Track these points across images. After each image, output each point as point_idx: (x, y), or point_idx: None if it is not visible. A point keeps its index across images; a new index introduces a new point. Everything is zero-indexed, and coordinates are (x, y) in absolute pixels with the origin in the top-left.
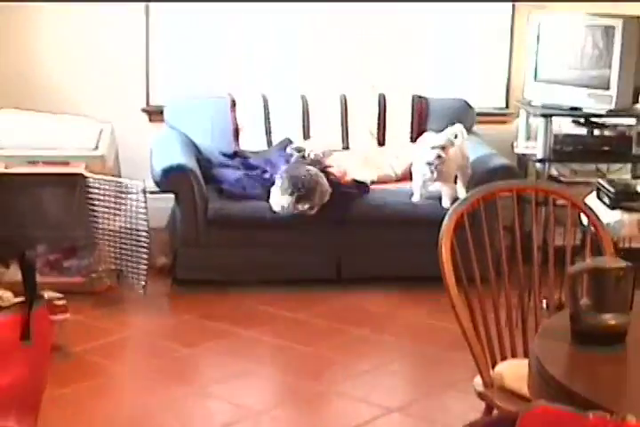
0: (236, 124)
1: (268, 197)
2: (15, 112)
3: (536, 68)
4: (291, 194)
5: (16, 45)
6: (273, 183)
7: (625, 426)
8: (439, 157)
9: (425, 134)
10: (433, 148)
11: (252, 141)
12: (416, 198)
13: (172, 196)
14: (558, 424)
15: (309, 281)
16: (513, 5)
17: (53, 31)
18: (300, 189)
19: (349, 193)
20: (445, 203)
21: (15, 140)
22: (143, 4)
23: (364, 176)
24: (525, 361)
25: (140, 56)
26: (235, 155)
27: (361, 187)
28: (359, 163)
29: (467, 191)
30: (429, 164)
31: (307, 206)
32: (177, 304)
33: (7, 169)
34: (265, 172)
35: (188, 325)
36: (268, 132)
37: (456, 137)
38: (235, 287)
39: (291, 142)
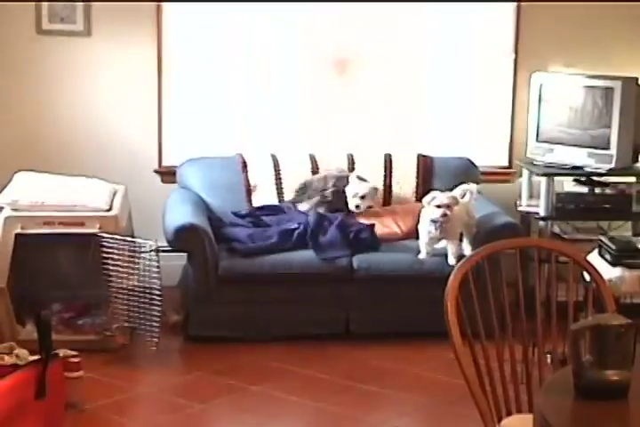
0: (248, 184)
1: (279, 249)
2: (31, 174)
3: (538, 128)
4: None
5: (31, 110)
6: (285, 234)
7: None
8: (444, 215)
9: (431, 193)
10: (439, 206)
11: (263, 200)
12: (422, 255)
13: (184, 254)
14: None
15: (319, 336)
16: (515, 65)
17: (67, 95)
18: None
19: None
20: (451, 260)
21: (31, 201)
22: (155, 66)
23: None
24: (530, 416)
25: (152, 119)
26: (247, 215)
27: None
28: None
29: (472, 248)
30: (434, 221)
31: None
32: (189, 360)
33: (24, 230)
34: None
35: (200, 381)
36: (280, 191)
37: (463, 196)
38: (246, 344)
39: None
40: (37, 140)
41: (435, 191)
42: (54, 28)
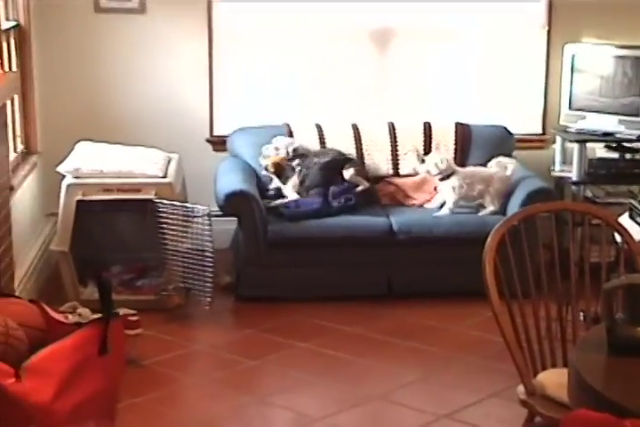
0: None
1: (322, 214)
2: (91, 144)
3: (570, 97)
4: None
5: (90, 84)
6: (326, 200)
7: None
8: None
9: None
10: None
11: None
12: (444, 211)
13: (234, 219)
14: None
15: (363, 297)
16: (548, 37)
17: (123, 69)
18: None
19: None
20: (444, 210)
21: (91, 169)
22: (206, 40)
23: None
24: (565, 370)
25: (204, 91)
26: None
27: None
28: (413, 186)
29: (508, 213)
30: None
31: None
32: (240, 320)
33: (85, 196)
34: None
35: (250, 338)
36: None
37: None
38: (294, 303)
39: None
40: (96, 112)
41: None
42: (111, 6)
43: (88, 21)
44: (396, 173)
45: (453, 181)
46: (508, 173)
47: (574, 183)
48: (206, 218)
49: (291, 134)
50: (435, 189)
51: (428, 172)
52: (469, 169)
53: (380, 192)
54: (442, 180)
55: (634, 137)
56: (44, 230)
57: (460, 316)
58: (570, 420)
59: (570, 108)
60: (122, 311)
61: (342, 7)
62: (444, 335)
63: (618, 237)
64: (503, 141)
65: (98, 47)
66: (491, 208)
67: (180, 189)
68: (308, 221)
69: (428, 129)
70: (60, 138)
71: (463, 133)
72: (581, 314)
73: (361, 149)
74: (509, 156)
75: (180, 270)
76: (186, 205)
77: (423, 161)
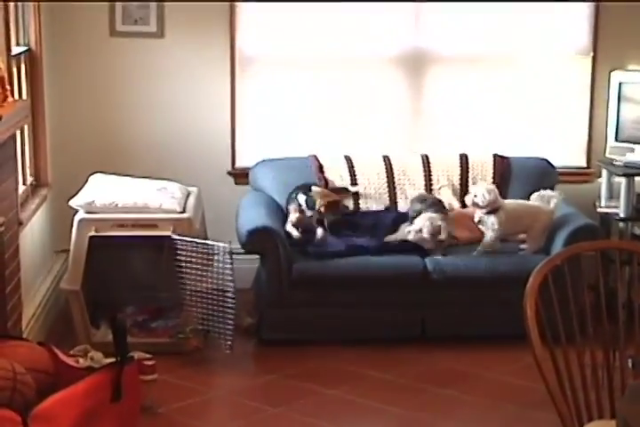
0: (326, 185)
1: (351, 254)
2: (105, 177)
3: (617, 127)
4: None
5: (105, 111)
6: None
7: None
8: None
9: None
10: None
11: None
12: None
13: (257, 257)
14: None
15: (393, 339)
16: (593, 63)
17: (140, 97)
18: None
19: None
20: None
21: (105, 203)
22: (228, 67)
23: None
24: (613, 422)
25: (225, 120)
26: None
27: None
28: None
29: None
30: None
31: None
32: (263, 364)
33: (98, 232)
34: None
35: (273, 384)
36: (356, 193)
37: (548, 202)
38: (320, 347)
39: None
40: (111, 143)
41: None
42: (128, 30)
43: (103, 46)
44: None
45: (500, 214)
46: (552, 206)
47: (621, 220)
48: (227, 256)
49: (320, 168)
50: (476, 222)
51: (475, 204)
52: (515, 202)
53: None
54: (488, 213)
55: None
56: (54, 268)
57: (499, 361)
58: None
59: (616, 139)
60: (136, 355)
61: (373, 31)
62: (481, 382)
63: None
64: (545, 175)
65: (113, 73)
66: (533, 245)
67: (200, 224)
68: (336, 259)
69: (464, 161)
70: (73, 170)
71: (502, 166)
72: (630, 360)
73: (393, 183)
74: (552, 189)
75: (198, 311)
76: (206, 242)
77: (465, 193)
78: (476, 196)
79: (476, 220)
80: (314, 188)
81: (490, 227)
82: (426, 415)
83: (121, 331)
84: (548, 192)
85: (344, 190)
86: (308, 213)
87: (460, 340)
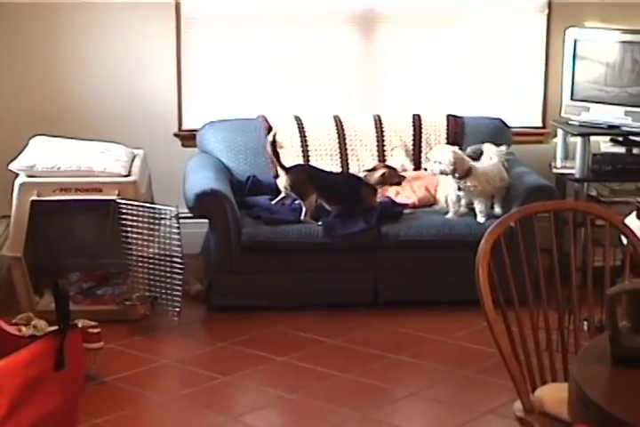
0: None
1: (299, 221)
2: (47, 139)
3: (573, 86)
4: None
5: (46, 74)
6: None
7: None
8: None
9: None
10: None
11: (289, 162)
12: (450, 215)
13: (205, 221)
14: None
15: (346, 306)
16: (548, 20)
17: (84, 60)
18: None
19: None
20: (480, 218)
21: (47, 166)
22: (174, 28)
23: (408, 198)
24: (565, 385)
25: (171, 81)
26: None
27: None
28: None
29: (503, 210)
30: (459, 188)
31: None
32: (212, 331)
33: (40, 196)
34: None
35: (222, 352)
36: (306, 153)
37: (479, 155)
38: (270, 313)
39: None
40: (53, 105)
41: (436, 148)
42: None
43: (44, 6)
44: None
45: (476, 176)
46: (494, 160)
47: (577, 180)
48: (174, 220)
49: (270, 128)
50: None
51: (442, 172)
52: (484, 165)
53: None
54: (460, 178)
55: None
56: None
57: (452, 326)
58: None
59: (572, 98)
60: (81, 323)
61: None
62: (434, 347)
63: (624, 239)
64: (499, 135)
65: (54, 34)
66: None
67: (146, 188)
68: (287, 224)
69: (417, 122)
70: (13, 133)
71: (456, 127)
72: (584, 323)
73: (344, 144)
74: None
75: (145, 278)
76: (152, 206)
77: (419, 154)
78: (439, 162)
79: (441, 187)
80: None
81: (473, 193)
82: (379, 381)
83: (62, 297)
84: (491, 148)
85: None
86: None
87: (413, 305)
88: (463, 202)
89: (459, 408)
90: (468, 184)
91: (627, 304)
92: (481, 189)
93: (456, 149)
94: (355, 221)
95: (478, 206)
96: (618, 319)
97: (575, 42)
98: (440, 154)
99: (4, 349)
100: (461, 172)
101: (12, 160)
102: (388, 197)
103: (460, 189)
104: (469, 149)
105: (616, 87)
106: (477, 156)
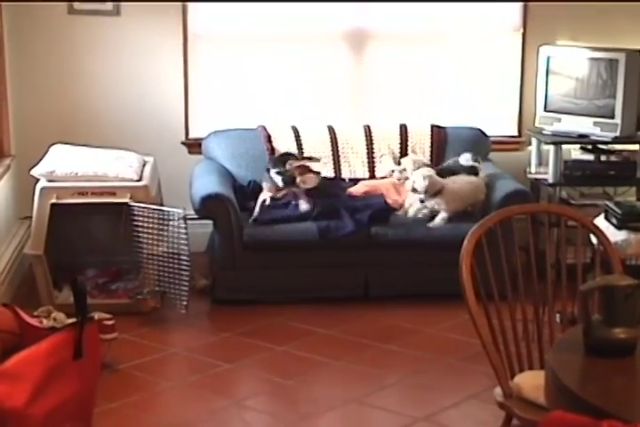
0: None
1: (295, 220)
2: (65, 147)
3: (546, 99)
4: None
5: (64, 86)
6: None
7: None
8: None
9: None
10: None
11: None
12: (410, 214)
13: (210, 222)
14: None
15: (339, 300)
16: (523, 39)
17: (97, 71)
18: None
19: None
20: (431, 223)
21: (66, 172)
22: (181, 42)
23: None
24: (542, 372)
25: (178, 94)
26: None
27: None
28: (390, 189)
29: (483, 215)
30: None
31: None
32: (216, 323)
33: (59, 200)
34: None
35: (226, 342)
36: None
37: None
38: (270, 306)
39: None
40: (71, 115)
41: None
42: (85, 8)
43: (61, 23)
44: (372, 176)
45: (444, 196)
46: (481, 176)
47: (550, 185)
48: (182, 221)
49: (269, 137)
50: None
51: (414, 190)
52: (455, 179)
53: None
54: (431, 196)
55: (608, 139)
56: (18, 234)
57: (437, 318)
58: (547, 422)
59: (545, 110)
60: (96, 315)
61: (317, 10)
62: (420, 337)
63: (593, 239)
64: (479, 143)
65: (71, 49)
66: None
67: (156, 192)
68: (285, 224)
69: (403, 131)
70: (34, 141)
71: (439, 136)
72: (558, 315)
73: (337, 152)
74: (483, 157)
75: (155, 274)
76: (161, 208)
77: (400, 164)
78: (414, 182)
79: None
80: (288, 164)
81: (438, 208)
82: (369, 368)
83: (80, 292)
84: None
85: (312, 159)
86: (284, 191)
87: (400, 299)
88: (426, 211)
89: (443, 393)
90: (432, 202)
91: (598, 299)
92: (444, 207)
93: (433, 173)
94: (345, 223)
95: (440, 215)
96: (590, 313)
97: (548, 58)
98: (418, 179)
99: (26, 339)
100: (431, 192)
101: (33, 166)
102: (382, 198)
103: (422, 201)
104: (451, 161)
105: (585, 100)
106: (457, 168)
